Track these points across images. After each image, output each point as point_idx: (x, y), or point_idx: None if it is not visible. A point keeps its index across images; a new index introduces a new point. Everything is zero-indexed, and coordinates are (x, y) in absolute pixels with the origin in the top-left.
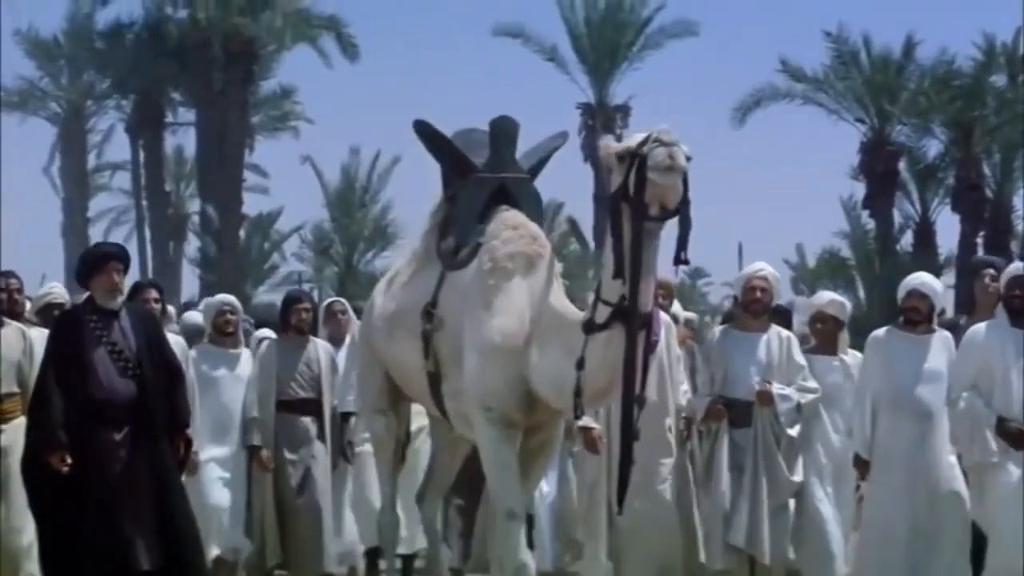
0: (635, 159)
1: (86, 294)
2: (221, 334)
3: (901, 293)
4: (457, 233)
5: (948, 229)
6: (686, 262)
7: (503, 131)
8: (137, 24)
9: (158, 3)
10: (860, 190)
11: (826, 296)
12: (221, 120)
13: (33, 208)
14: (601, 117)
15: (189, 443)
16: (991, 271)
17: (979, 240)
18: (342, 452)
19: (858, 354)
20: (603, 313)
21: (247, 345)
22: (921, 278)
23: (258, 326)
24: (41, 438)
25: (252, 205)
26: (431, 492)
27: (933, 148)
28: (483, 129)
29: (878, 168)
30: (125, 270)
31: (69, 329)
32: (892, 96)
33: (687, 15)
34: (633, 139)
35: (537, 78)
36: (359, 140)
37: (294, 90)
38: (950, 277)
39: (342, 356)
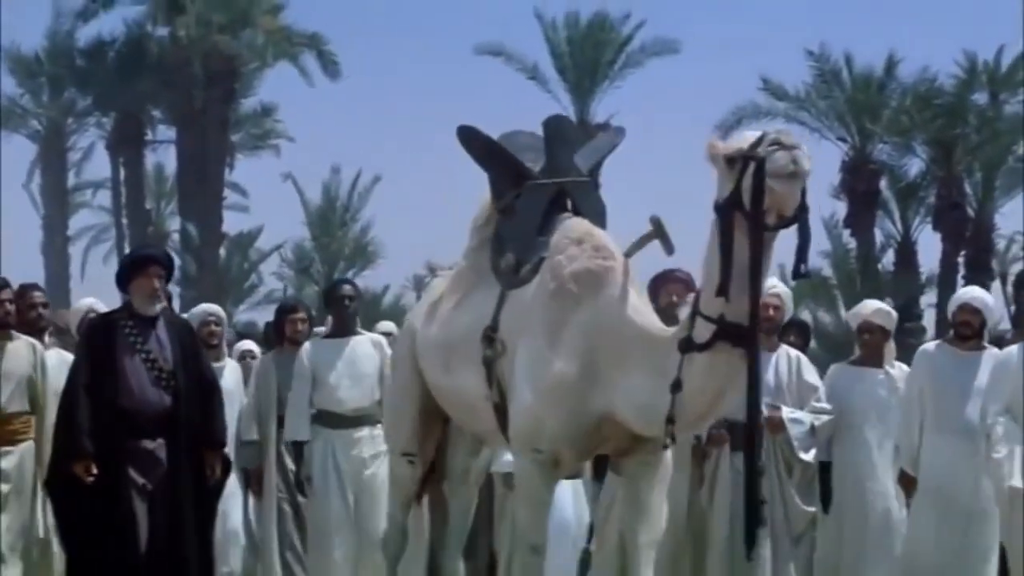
0: (749, 163)
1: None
2: (205, 346)
3: (952, 307)
4: (517, 248)
5: (929, 248)
6: (806, 275)
7: (559, 131)
8: (118, 42)
9: (139, 21)
10: (841, 209)
11: (872, 305)
12: (201, 138)
13: (13, 225)
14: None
15: (228, 464)
16: None
17: (960, 259)
18: (298, 486)
19: (904, 367)
20: (704, 330)
21: (230, 356)
22: (973, 292)
23: (240, 338)
24: (66, 446)
25: (232, 223)
26: (451, 544)
27: (914, 167)
28: (528, 132)
29: (859, 187)
30: (168, 277)
31: (103, 334)
32: (874, 115)
33: (668, 33)
34: (744, 140)
35: (519, 96)
36: (340, 159)
37: (275, 108)
38: (931, 296)
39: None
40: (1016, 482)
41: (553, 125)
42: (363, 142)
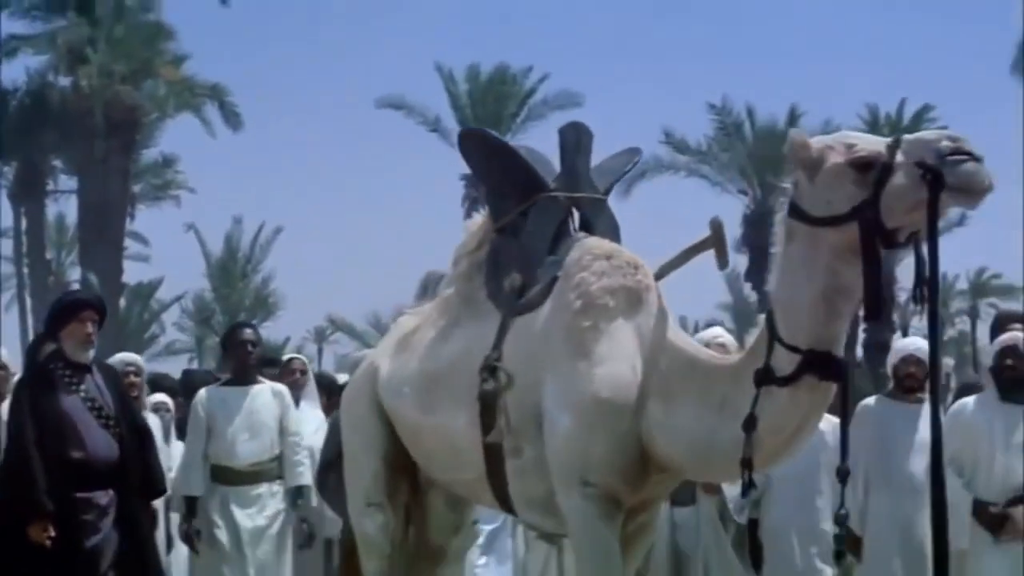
0: (890, 172)
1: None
2: None
3: (894, 359)
4: (524, 267)
5: None
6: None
7: (578, 141)
8: (20, 91)
9: (41, 71)
10: (743, 262)
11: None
12: (103, 188)
13: None
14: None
15: (155, 515)
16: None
17: (860, 312)
18: (186, 540)
19: None
20: (787, 361)
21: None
22: (916, 343)
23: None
24: (21, 505)
25: (133, 274)
26: None
27: None
28: (526, 146)
29: (761, 240)
30: (100, 322)
31: (42, 383)
32: (775, 168)
33: (571, 86)
34: (868, 142)
35: (420, 149)
36: (242, 210)
37: (176, 159)
38: None
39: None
40: (962, 543)
41: (571, 133)
42: (265, 193)
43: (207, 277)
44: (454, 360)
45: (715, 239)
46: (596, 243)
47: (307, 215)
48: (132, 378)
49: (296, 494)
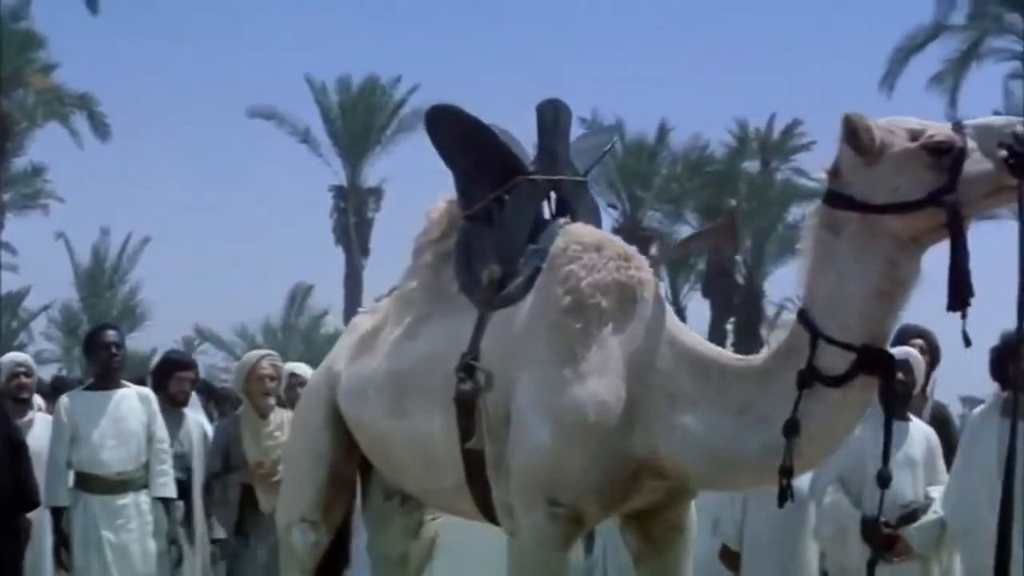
0: (962, 157)
1: None
2: (13, 399)
3: None
4: (502, 257)
5: (698, 314)
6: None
7: (556, 120)
8: None
9: None
10: None
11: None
12: None
13: None
14: (353, 200)
15: (28, 527)
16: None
17: (729, 326)
18: (55, 554)
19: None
20: (838, 359)
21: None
22: (905, 350)
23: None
24: None
25: (2, 283)
26: None
27: (685, 234)
28: (496, 125)
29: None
30: None
31: None
32: (645, 182)
33: (441, 98)
34: (935, 127)
35: (290, 160)
36: (110, 220)
37: (45, 168)
38: None
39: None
40: (850, 561)
41: (549, 111)
42: (133, 204)
43: (75, 287)
44: (425, 359)
45: (727, 226)
46: (583, 231)
47: (175, 225)
48: (23, 379)
49: (162, 507)
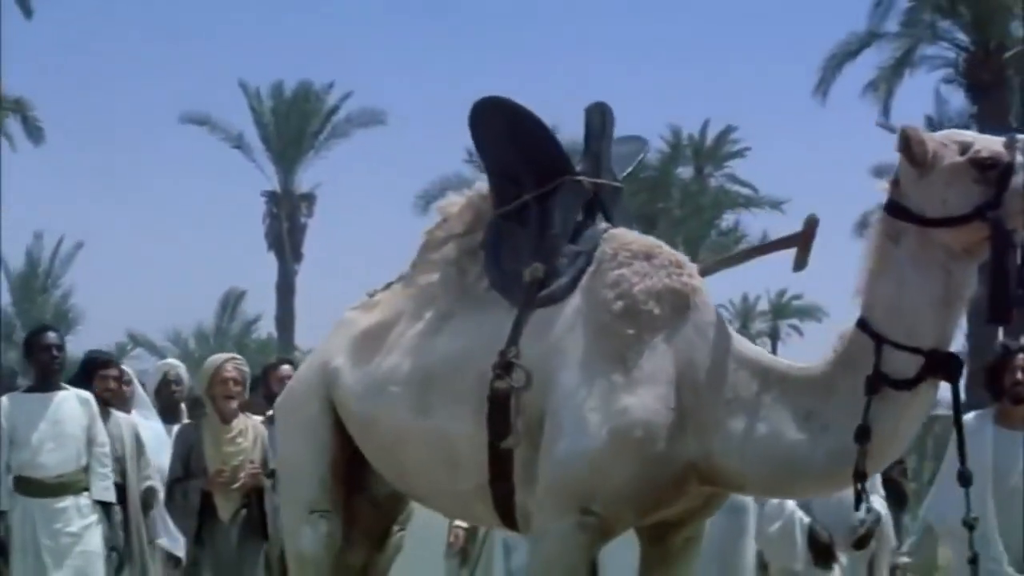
0: (1010, 172)
1: None
2: None
3: None
4: (545, 257)
5: None
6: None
7: (603, 124)
8: None
9: None
10: None
11: None
12: None
13: None
14: (286, 205)
15: None
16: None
17: None
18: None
19: None
20: (906, 364)
21: None
22: None
23: None
24: None
25: None
26: None
27: None
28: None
29: None
30: None
31: None
32: None
33: (374, 104)
34: (985, 140)
35: (223, 165)
36: (43, 225)
37: None
38: None
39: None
40: (796, 565)
41: (597, 115)
42: (66, 208)
43: (8, 291)
44: (455, 356)
45: (807, 237)
46: (630, 236)
47: (109, 230)
48: None
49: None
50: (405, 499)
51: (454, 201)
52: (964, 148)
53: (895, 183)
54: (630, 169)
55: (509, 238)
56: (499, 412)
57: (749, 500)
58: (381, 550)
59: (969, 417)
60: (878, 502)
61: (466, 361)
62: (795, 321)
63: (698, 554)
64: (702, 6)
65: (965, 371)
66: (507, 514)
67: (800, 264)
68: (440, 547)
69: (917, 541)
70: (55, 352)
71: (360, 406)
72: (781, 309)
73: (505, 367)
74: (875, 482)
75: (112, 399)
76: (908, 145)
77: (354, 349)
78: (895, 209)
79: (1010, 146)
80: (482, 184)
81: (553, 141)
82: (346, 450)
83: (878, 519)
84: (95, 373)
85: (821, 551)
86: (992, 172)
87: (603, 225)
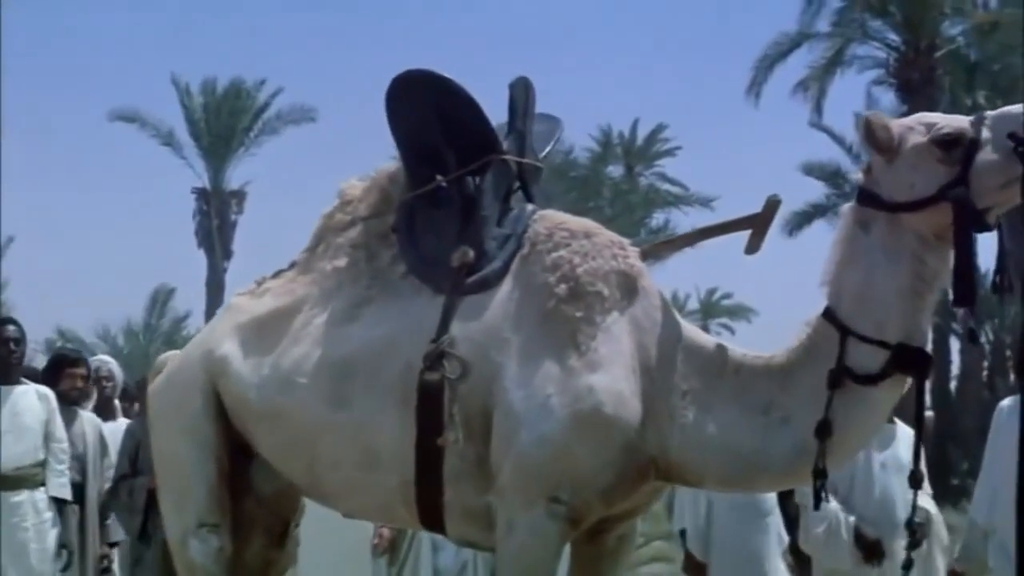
0: (975, 148)
1: None
2: None
3: None
4: (475, 239)
5: None
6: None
7: (527, 99)
8: None
9: None
10: None
11: None
12: None
13: None
14: (216, 202)
15: None
16: None
17: None
18: None
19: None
20: (870, 358)
21: None
22: None
23: None
24: None
25: None
26: None
27: None
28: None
29: None
30: None
31: None
32: None
33: (305, 101)
34: (951, 119)
35: (153, 162)
36: None
37: None
38: None
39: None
40: (845, 565)
41: (521, 92)
42: None
43: None
44: (375, 346)
45: (765, 219)
46: (564, 216)
47: (38, 226)
48: None
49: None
50: (295, 496)
51: (355, 183)
52: (930, 129)
53: (867, 171)
54: (548, 149)
55: (426, 221)
56: (430, 405)
57: (772, 502)
58: (280, 547)
59: (1001, 406)
60: (926, 500)
61: (389, 351)
62: (725, 320)
63: (630, 552)
64: (633, 4)
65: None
66: (429, 513)
67: (753, 247)
68: (367, 547)
69: (967, 543)
70: (13, 346)
71: (259, 398)
72: (711, 308)
73: (437, 357)
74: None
75: (79, 398)
76: (871, 132)
77: (247, 337)
78: (865, 197)
79: (977, 124)
80: (387, 165)
81: (483, 118)
82: (231, 447)
83: (928, 517)
84: (63, 371)
85: (869, 549)
86: (957, 150)
87: (530, 206)
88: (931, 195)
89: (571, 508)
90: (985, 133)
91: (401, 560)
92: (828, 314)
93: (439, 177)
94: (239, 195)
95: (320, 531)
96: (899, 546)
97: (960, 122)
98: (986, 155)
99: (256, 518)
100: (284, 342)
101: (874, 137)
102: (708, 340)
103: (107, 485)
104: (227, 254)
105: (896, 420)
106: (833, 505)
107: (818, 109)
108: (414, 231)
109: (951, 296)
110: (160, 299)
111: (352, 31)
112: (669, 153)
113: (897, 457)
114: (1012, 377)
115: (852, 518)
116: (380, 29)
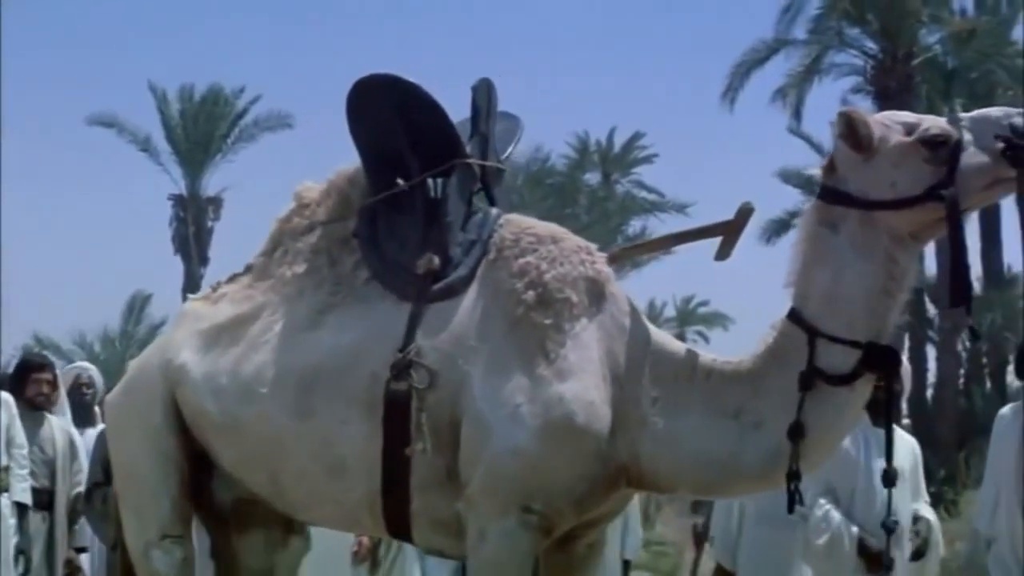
0: (959, 150)
1: None
2: None
3: None
4: (439, 245)
5: None
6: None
7: (489, 100)
8: None
9: None
10: None
11: None
12: None
13: None
14: (193, 208)
15: None
16: None
17: None
18: None
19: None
20: (841, 358)
21: None
22: None
23: None
24: None
25: None
26: None
27: None
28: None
29: None
30: None
31: None
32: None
33: (282, 107)
34: (930, 119)
35: (130, 168)
36: None
37: None
38: None
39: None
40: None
41: (483, 93)
42: None
43: None
44: (339, 354)
45: (737, 226)
46: (529, 221)
47: (13, 232)
48: None
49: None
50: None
51: (311, 186)
52: (909, 128)
53: (829, 169)
54: (511, 150)
55: (389, 226)
56: (397, 415)
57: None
58: (283, 547)
59: (1003, 413)
60: (926, 509)
61: (354, 360)
62: (701, 328)
63: (600, 560)
64: (609, 12)
65: None
66: (396, 523)
67: (724, 254)
68: (346, 554)
69: (969, 551)
70: None
71: (218, 408)
72: (687, 316)
73: (404, 367)
74: (920, 487)
75: (45, 403)
76: (852, 127)
77: (204, 344)
78: (833, 195)
79: (955, 124)
80: (345, 168)
81: (447, 121)
82: (190, 457)
83: (929, 527)
84: (29, 376)
85: (873, 560)
86: (943, 151)
87: (494, 210)
88: (917, 194)
89: (543, 517)
90: (965, 135)
91: (387, 567)
92: (794, 316)
93: (401, 181)
94: (216, 201)
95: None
96: (901, 556)
97: (940, 122)
98: (970, 156)
99: (252, 519)
100: (243, 350)
101: (855, 133)
102: (678, 346)
103: (76, 489)
104: (204, 260)
105: (896, 428)
106: (836, 516)
107: (796, 116)
108: (377, 236)
109: (927, 302)
110: (137, 305)
111: (329, 38)
112: (646, 160)
113: (898, 466)
114: (988, 385)
115: (855, 529)
116: (357, 36)
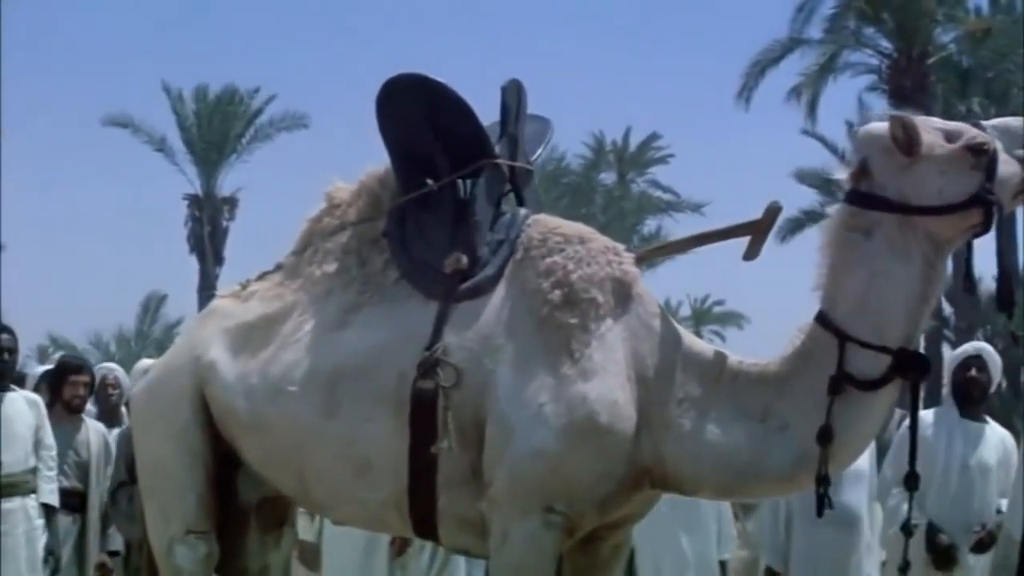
0: (997, 159)
1: None
2: None
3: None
4: (467, 245)
5: None
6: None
7: (519, 103)
8: None
9: None
10: None
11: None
12: None
13: None
14: (208, 208)
15: None
16: None
17: None
18: None
19: None
20: (871, 363)
21: None
22: (977, 345)
23: None
24: None
25: None
26: None
27: None
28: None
29: None
30: None
31: None
32: None
33: (298, 107)
34: (964, 127)
35: (145, 168)
36: None
37: None
38: None
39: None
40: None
41: (513, 94)
42: None
43: None
44: (367, 353)
45: (766, 225)
46: (557, 221)
47: (30, 233)
48: None
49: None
50: (284, 504)
51: (342, 187)
52: (949, 135)
53: (861, 174)
54: (540, 151)
55: (418, 226)
56: (424, 414)
57: (862, 511)
58: (277, 546)
59: (927, 414)
60: (1005, 504)
61: (382, 358)
62: (717, 327)
63: (624, 562)
64: (625, 12)
65: None
66: (423, 522)
67: (752, 253)
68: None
69: (1001, 555)
70: (7, 356)
71: (248, 406)
72: (703, 315)
73: (431, 366)
74: (1010, 481)
75: (82, 406)
76: (910, 132)
77: (234, 343)
78: (868, 200)
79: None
80: (375, 169)
81: (476, 122)
82: (218, 454)
83: (1001, 522)
84: (66, 378)
85: (941, 554)
86: (983, 158)
87: (523, 211)
88: (962, 200)
89: (566, 518)
90: (997, 143)
91: (437, 571)
92: (823, 319)
93: (430, 181)
94: (231, 201)
95: (343, 531)
96: (967, 552)
97: (975, 130)
98: (1003, 165)
99: (249, 521)
100: (273, 349)
101: (910, 138)
102: (705, 347)
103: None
104: (219, 260)
105: (988, 420)
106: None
107: (811, 116)
108: (406, 236)
109: (943, 301)
110: (152, 306)
111: (343, 38)
112: (662, 160)
113: (983, 460)
114: (1005, 384)
115: (926, 520)
116: (372, 36)
